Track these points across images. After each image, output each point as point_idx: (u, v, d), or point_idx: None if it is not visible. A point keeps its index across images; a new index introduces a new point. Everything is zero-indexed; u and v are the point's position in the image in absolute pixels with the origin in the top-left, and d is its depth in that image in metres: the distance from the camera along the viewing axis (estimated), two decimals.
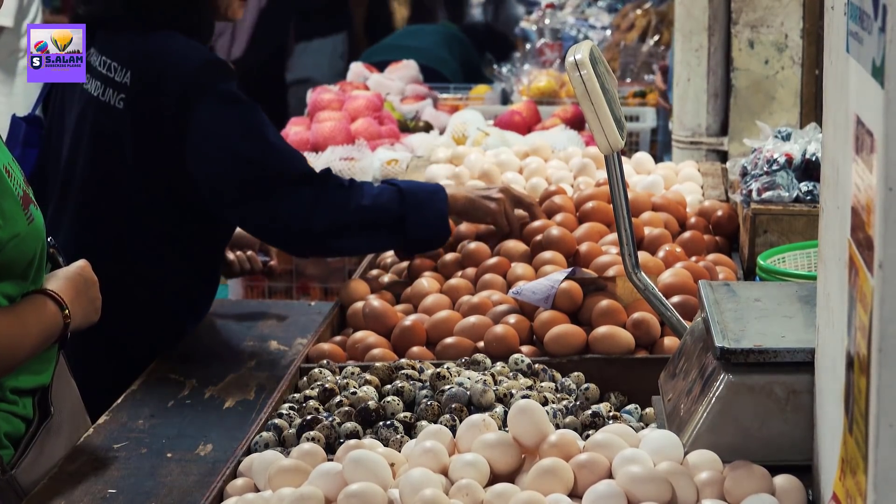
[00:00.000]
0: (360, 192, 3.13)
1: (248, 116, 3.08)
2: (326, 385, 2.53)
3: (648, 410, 2.50)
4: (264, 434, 2.38)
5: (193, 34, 3.17)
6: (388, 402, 2.44)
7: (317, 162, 4.51)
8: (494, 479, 2.06)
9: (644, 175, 3.89)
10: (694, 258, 3.20)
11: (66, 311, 2.47)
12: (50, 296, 2.46)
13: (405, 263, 3.34)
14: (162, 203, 3.15)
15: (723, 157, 4.40)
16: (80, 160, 3.19)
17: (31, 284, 2.46)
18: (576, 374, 2.64)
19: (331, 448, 2.30)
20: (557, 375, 2.63)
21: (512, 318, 2.83)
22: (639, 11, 7.20)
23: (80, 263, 2.58)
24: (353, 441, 2.21)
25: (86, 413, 2.74)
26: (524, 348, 2.77)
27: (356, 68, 5.90)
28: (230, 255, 3.47)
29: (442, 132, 5.01)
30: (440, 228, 3.20)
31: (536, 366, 2.63)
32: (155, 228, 3.17)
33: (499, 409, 2.36)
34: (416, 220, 3.15)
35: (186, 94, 3.05)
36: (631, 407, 2.53)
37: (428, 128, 5.16)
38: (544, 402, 2.41)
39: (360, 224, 3.13)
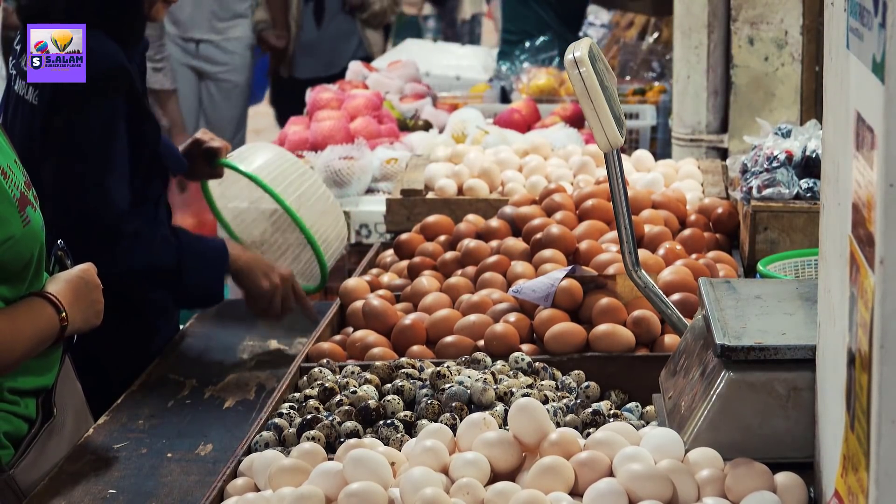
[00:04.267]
0: (152, 246, 3.09)
1: (99, 151, 3.06)
2: (326, 384, 2.53)
3: (649, 408, 2.50)
4: (264, 434, 2.38)
5: (119, 34, 3.15)
6: (388, 401, 2.44)
7: (316, 161, 4.51)
8: (495, 477, 2.05)
9: (644, 173, 3.89)
10: (694, 256, 3.20)
11: (63, 313, 2.46)
12: (47, 298, 2.45)
13: (405, 263, 3.34)
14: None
15: (723, 154, 4.40)
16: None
17: (28, 287, 2.46)
18: (576, 372, 2.64)
19: (331, 447, 2.29)
20: (558, 374, 2.63)
21: (512, 317, 2.83)
22: None
23: (84, 266, 2.58)
24: (353, 440, 2.21)
25: (90, 414, 2.74)
26: (524, 347, 2.77)
27: (355, 67, 5.89)
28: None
29: (441, 131, 5.01)
30: (215, 294, 3.20)
31: (537, 364, 2.63)
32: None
33: (499, 407, 2.36)
34: (196, 283, 3.14)
35: (72, 97, 3.05)
36: (631, 405, 2.53)
37: (427, 126, 5.16)
38: (545, 401, 2.41)
39: (143, 277, 3.11)
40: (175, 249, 3.13)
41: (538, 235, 3.20)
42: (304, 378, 2.69)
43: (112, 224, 3.04)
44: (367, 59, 7.30)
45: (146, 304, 3.27)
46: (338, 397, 2.47)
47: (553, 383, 2.57)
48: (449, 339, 2.81)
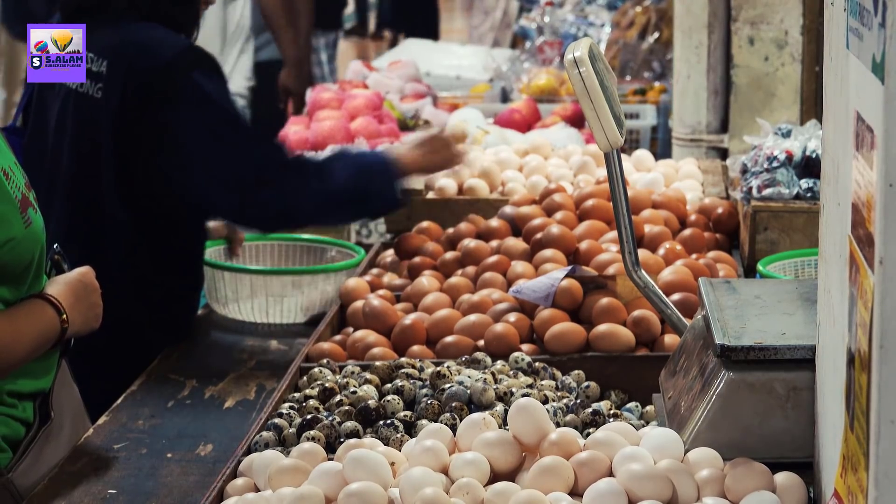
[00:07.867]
0: (330, 175, 3.16)
1: (222, 113, 3.09)
2: (326, 384, 2.53)
3: (649, 408, 2.50)
4: (264, 434, 2.38)
5: (176, 26, 3.18)
6: (388, 401, 2.44)
7: None
8: (495, 477, 2.05)
9: (644, 172, 3.89)
10: (694, 256, 3.20)
11: (64, 315, 2.45)
12: (48, 300, 2.45)
13: (405, 263, 3.34)
14: (138, 195, 3.14)
15: (723, 154, 4.40)
16: (63, 157, 3.17)
17: (28, 289, 2.45)
18: (576, 372, 2.64)
19: (331, 447, 2.29)
20: (558, 374, 2.63)
21: (512, 317, 2.83)
22: (638, 9, 7.19)
23: (82, 270, 2.57)
24: (353, 440, 2.21)
25: (87, 417, 2.73)
26: (524, 347, 2.77)
27: (355, 67, 5.88)
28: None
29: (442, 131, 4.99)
30: (396, 198, 3.24)
31: (537, 364, 2.63)
32: (132, 221, 3.15)
33: (499, 407, 2.36)
34: (376, 195, 3.20)
35: (160, 84, 3.06)
36: (631, 405, 2.53)
37: (427, 126, 5.15)
38: (545, 401, 2.41)
39: (334, 206, 3.18)
40: (351, 171, 3.19)
41: (538, 235, 3.20)
42: (304, 378, 2.69)
43: (292, 163, 3.15)
44: None
45: (172, 296, 3.29)
46: (338, 397, 2.47)
47: (553, 383, 2.57)
48: (449, 339, 2.81)
